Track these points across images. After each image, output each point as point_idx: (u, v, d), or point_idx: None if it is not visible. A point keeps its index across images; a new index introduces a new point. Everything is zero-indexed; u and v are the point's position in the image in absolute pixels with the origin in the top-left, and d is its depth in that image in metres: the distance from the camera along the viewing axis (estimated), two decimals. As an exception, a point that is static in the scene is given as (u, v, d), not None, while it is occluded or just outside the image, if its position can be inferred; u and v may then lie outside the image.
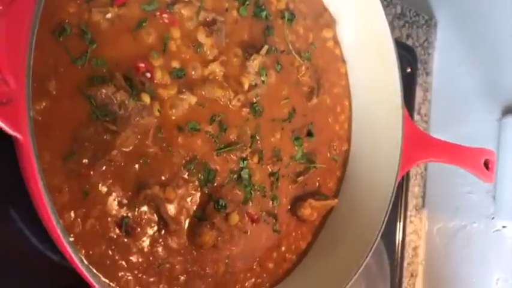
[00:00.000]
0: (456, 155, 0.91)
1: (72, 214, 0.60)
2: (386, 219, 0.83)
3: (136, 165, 0.65)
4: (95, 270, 0.61)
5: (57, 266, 0.68)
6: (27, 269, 0.67)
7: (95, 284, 0.56)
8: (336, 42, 0.91)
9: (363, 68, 0.92)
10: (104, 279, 0.62)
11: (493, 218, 1.17)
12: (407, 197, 1.24)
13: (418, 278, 1.27)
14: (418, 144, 0.88)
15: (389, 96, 0.88)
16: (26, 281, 0.67)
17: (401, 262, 1.18)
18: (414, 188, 1.28)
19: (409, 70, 1.23)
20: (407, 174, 1.23)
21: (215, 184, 0.73)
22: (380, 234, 0.82)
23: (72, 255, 0.52)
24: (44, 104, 0.58)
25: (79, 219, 0.60)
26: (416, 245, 1.26)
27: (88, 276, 0.55)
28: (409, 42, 1.29)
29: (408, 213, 1.24)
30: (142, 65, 0.66)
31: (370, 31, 0.88)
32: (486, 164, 0.93)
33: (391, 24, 1.25)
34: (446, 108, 1.32)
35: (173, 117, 0.69)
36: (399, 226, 1.19)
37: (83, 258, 0.57)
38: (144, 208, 0.66)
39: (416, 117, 1.30)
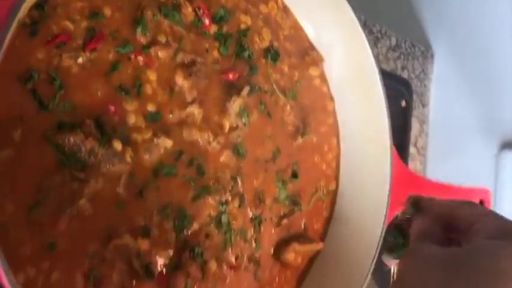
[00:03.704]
0: (449, 196, 0.88)
1: (34, 268, 0.57)
2: (374, 263, 0.81)
3: (106, 214, 0.63)
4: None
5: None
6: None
7: None
8: (323, 80, 0.89)
9: (350, 106, 0.89)
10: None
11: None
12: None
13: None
14: (408, 186, 0.85)
15: (377, 135, 0.85)
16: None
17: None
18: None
19: (404, 104, 1.20)
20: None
21: (191, 230, 0.70)
22: (368, 280, 0.80)
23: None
24: (7, 153, 0.56)
25: (42, 273, 0.58)
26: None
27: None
28: (405, 74, 1.27)
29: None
30: (112, 108, 0.63)
31: (357, 68, 0.86)
32: (481, 204, 0.91)
33: (386, 56, 1.23)
34: (443, 141, 1.30)
35: (147, 163, 0.67)
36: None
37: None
38: (114, 258, 0.63)
39: (412, 149, 1.27)
